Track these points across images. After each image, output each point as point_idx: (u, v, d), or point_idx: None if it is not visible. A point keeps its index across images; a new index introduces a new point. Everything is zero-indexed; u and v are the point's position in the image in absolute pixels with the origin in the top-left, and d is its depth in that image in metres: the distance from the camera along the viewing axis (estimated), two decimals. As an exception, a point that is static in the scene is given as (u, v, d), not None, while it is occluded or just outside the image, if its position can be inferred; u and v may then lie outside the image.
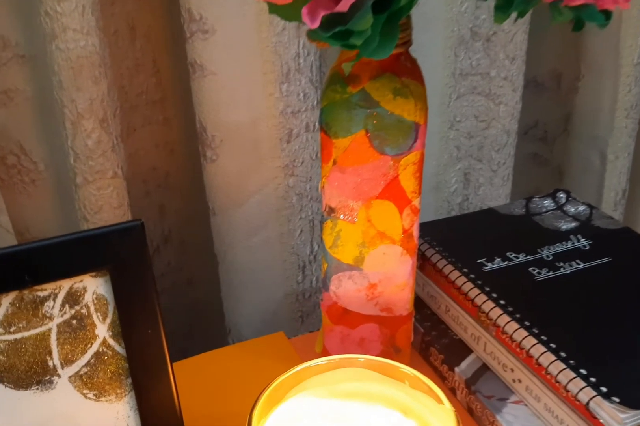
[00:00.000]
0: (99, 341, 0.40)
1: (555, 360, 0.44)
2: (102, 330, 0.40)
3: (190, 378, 0.54)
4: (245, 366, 0.55)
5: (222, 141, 0.61)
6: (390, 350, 0.51)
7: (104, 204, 0.60)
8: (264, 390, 0.41)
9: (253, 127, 0.61)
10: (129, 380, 0.41)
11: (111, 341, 0.40)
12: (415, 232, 0.48)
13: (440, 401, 0.40)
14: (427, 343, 0.55)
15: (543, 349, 0.45)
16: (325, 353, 0.53)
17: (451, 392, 0.52)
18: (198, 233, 0.74)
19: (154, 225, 0.72)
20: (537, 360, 0.45)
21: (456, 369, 0.52)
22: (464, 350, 0.53)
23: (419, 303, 0.56)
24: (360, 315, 0.50)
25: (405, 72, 0.43)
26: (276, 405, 0.42)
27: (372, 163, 0.44)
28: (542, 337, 0.45)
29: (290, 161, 0.64)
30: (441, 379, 0.54)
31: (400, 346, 0.51)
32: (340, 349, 0.52)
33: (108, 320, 0.40)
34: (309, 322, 0.73)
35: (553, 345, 0.45)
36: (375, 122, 0.43)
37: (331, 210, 0.46)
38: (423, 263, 0.55)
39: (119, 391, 0.41)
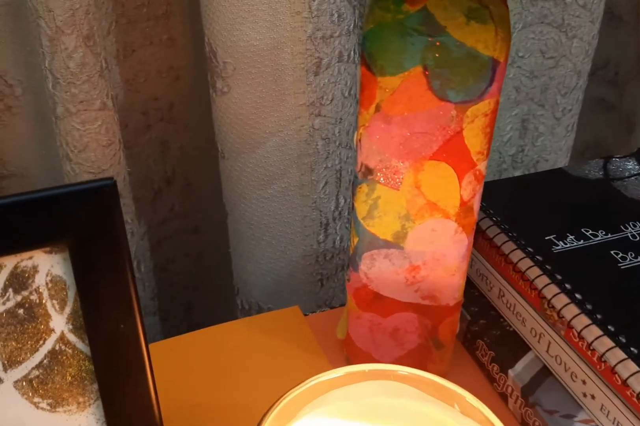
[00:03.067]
0: (54, 336, 0.30)
1: (653, 385, 0.33)
2: (60, 322, 0.30)
3: (178, 360, 0.44)
4: (249, 350, 0.45)
5: (235, 69, 0.50)
6: (429, 344, 0.41)
7: (90, 141, 0.50)
8: (270, 407, 0.31)
9: (274, 54, 0.50)
10: (95, 386, 0.31)
11: (71, 337, 0.30)
12: (476, 205, 0.37)
13: (501, 439, 0.30)
14: (474, 334, 0.45)
15: (635, 368, 0.34)
16: (349, 341, 0.43)
17: (501, 398, 0.43)
18: (207, 175, 0.63)
19: (155, 164, 0.62)
20: (625, 380, 0.34)
21: (510, 372, 0.42)
22: (520, 347, 0.42)
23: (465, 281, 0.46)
24: (395, 302, 0.40)
25: (485, -12, 0.31)
26: (286, 425, 0.32)
27: (428, 112, 0.33)
28: (633, 349, 0.35)
29: (317, 98, 0.52)
30: (489, 381, 0.44)
31: (442, 340, 0.41)
32: (368, 339, 0.42)
33: (67, 310, 0.30)
34: (329, 286, 0.63)
35: (648, 362, 0.34)
36: (437, 55, 0.32)
37: (368, 171, 0.35)
38: (475, 234, 0.44)
39: (81, 399, 0.31)
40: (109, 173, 0.52)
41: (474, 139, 0.34)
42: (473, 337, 0.45)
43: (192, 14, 0.55)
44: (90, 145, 0.50)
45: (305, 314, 0.49)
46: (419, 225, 0.36)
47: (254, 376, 0.43)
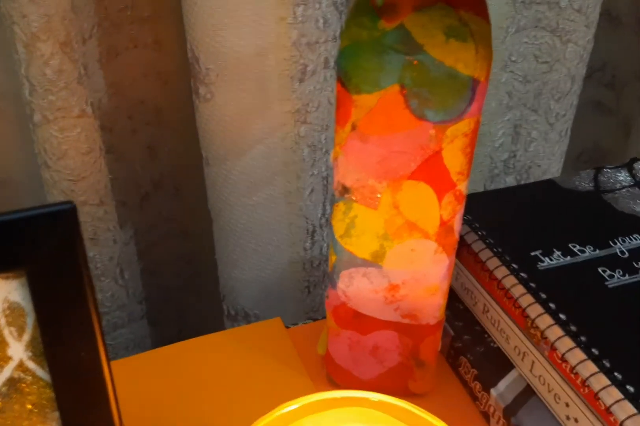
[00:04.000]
0: (12, 364, 0.29)
1: (637, 414, 0.32)
2: (18, 350, 0.29)
3: (148, 378, 0.44)
4: (226, 366, 0.44)
5: (219, 75, 0.49)
6: (410, 363, 0.40)
7: (69, 149, 0.49)
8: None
9: (258, 60, 0.48)
10: (56, 414, 0.30)
11: (30, 364, 0.29)
12: (457, 225, 0.36)
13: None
14: (457, 350, 0.44)
15: (618, 395, 0.33)
16: (328, 358, 0.42)
17: (483, 417, 0.42)
18: (195, 179, 0.62)
19: (142, 169, 0.61)
20: (608, 407, 0.33)
21: (492, 391, 0.41)
22: (503, 364, 0.41)
23: (450, 295, 0.44)
24: (375, 320, 0.39)
25: (466, 3, 0.30)
26: (253, 454, 0.31)
27: (406, 131, 0.32)
28: (617, 375, 0.34)
29: (302, 105, 0.51)
30: (472, 398, 0.43)
31: (423, 359, 0.40)
32: (348, 357, 0.41)
33: (26, 337, 0.29)
34: (316, 293, 0.62)
35: (631, 389, 0.33)
36: (415, 74, 0.30)
37: (345, 190, 0.34)
38: (460, 248, 0.43)
39: (42, 427, 0.31)
40: (89, 181, 0.51)
41: (453, 159, 0.33)
42: (456, 353, 0.44)
43: (178, 16, 0.53)
44: (69, 152, 0.49)
45: (287, 327, 0.48)
46: (398, 245, 0.35)
47: (230, 395, 0.42)
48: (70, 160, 0.49)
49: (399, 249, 0.35)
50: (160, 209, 0.64)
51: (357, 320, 0.39)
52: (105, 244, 0.55)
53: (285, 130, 0.52)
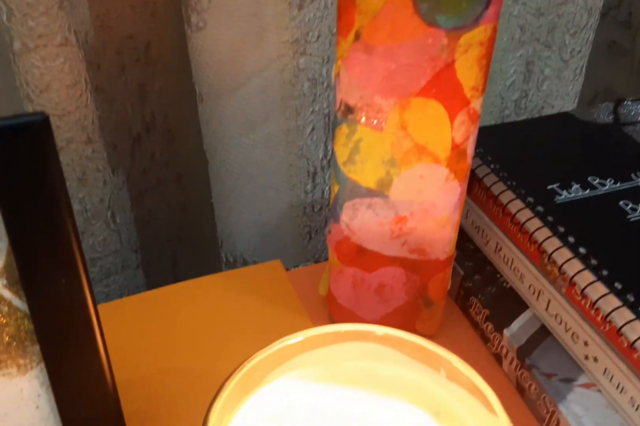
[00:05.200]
0: (-14, 293, 0.27)
1: (663, 350, 0.30)
2: (-9, 278, 0.27)
3: (147, 318, 0.41)
4: (224, 307, 0.42)
5: (211, 1, 0.45)
6: (417, 302, 0.38)
7: (52, 80, 0.46)
8: (232, 373, 0.28)
9: (253, -16, 0.45)
10: (37, 347, 0.28)
11: (6, 293, 0.27)
12: (470, 148, 0.33)
13: (491, 409, 0.26)
14: (468, 290, 0.41)
15: (643, 329, 0.31)
16: (331, 298, 0.40)
17: (495, 359, 0.39)
18: (189, 120, 0.59)
19: (132, 109, 0.58)
20: (632, 343, 0.31)
21: (505, 331, 0.38)
22: (517, 305, 0.39)
23: (460, 235, 0.42)
24: (380, 256, 0.36)
25: None
26: (250, 392, 0.29)
27: (415, 40, 0.29)
28: (641, 309, 0.32)
29: (302, 35, 0.48)
30: (483, 341, 0.40)
31: (432, 297, 0.38)
32: (351, 296, 0.38)
33: (0, 263, 0.26)
34: (317, 239, 0.59)
35: (657, 323, 0.31)
36: (426, -27, 0.27)
37: (348, 110, 0.31)
38: (471, 183, 0.41)
39: (21, 362, 0.28)
40: (75, 116, 0.48)
41: (467, 72, 0.29)
42: (466, 294, 0.41)
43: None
44: (53, 84, 0.46)
45: (288, 269, 0.45)
46: (406, 171, 0.32)
47: (228, 335, 0.40)
48: (54, 93, 0.46)
49: (406, 177, 0.33)
50: (153, 152, 0.61)
51: (361, 256, 0.36)
52: (94, 184, 0.52)
53: (283, 62, 0.49)
